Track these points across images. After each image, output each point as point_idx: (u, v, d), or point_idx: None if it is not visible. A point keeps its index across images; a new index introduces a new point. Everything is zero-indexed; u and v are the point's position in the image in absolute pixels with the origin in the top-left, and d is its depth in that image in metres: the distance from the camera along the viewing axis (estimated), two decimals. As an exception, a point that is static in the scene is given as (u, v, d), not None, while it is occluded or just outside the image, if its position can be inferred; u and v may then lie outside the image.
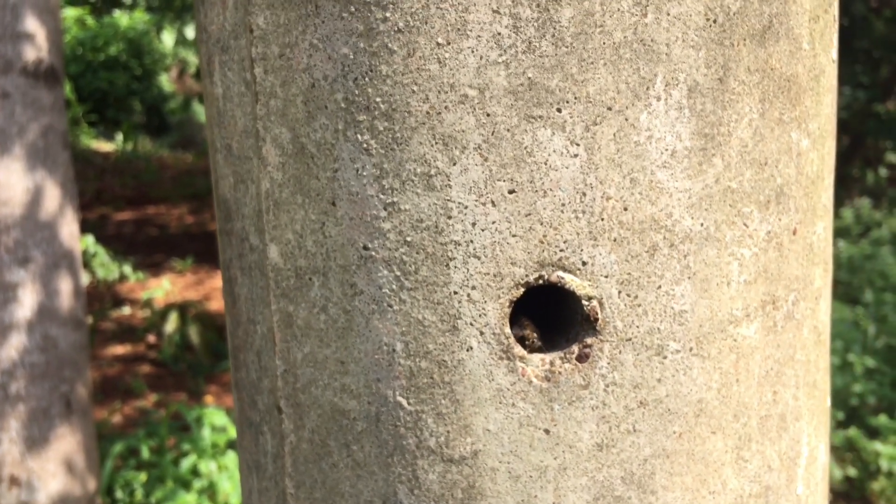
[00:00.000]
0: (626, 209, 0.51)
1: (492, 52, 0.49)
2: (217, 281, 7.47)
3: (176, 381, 5.69)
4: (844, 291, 6.20)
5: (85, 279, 6.24)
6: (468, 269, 0.51)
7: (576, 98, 0.50)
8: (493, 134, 0.50)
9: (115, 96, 11.97)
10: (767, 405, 0.56)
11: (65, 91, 3.11)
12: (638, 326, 0.52)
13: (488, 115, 0.50)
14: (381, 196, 0.52)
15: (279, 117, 0.55)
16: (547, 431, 0.53)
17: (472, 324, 0.52)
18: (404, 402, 0.54)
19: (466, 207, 0.51)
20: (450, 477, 0.54)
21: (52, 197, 2.87)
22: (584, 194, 0.50)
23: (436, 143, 0.51)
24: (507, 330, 0.52)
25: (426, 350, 0.53)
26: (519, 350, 0.52)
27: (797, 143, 0.55)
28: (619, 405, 0.52)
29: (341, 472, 0.57)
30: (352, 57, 0.51)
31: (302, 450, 0.59)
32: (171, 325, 6.00)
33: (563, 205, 0.50)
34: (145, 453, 3.93)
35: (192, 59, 12.27)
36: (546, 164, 0.50)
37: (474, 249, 0.51)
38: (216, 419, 4.01)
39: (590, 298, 0.51)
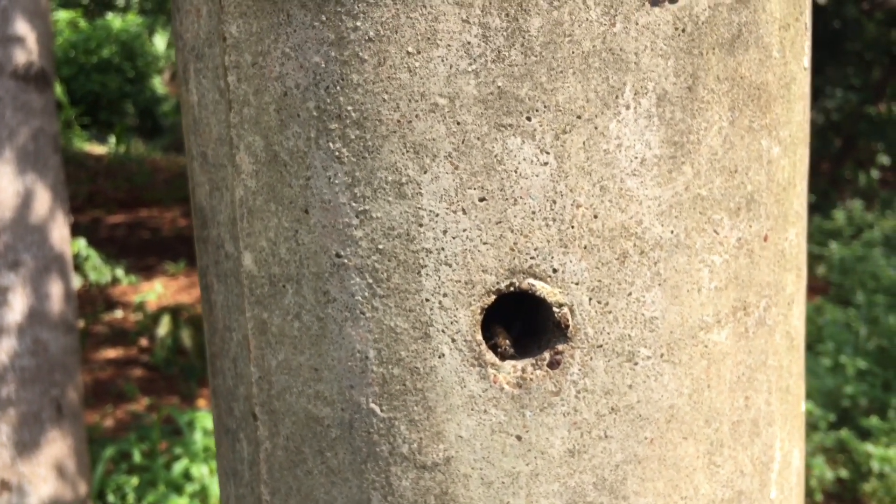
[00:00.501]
0: (596, 217, 0.51)
1: (461, 61, 0.50)
2: (210, 284, 7.45)
3: (168, 384, 5.68)
4: (836, 293, 6.21)
5: (77, 282, 6.23)
6: (440, 277, 0.52)
7: (545, 107, 0.50)
8: (463, 142, 0.50)
9: (107, 99, 11.95)
10: (739, 410, 0.57)
11: (55, 94, 3.10)
12: (609, 333, 0.52)
13: (458, 123, 0.50)
14: (353, 204, 0.52)
15: (252, 125, 0.55)
16: (519, 438, 0.53)
17: (443, 331, 0.52)
18: (377, 409, 0.54)
19: (437, 215, 0.51)
20: (423, 483, 0.54)
21: (43, 200, 2.86)
22: (555, 202, 0.51)
23: (406, 151, 0.51)
24: (479, 337, 0.52)
25: (398, 357, 0.53)
26: (491, 357, 0.52)
27: (768, 151, 0.56)
28: (591, 411, 0.53)
29: (316, 478, 0.57)
30: (323, 66, 0.52)
31: (277, 457, 0.59)
32: (163, 328, 5.99)
33: (534, 212, 0.51)
34: (137, 457, 3.92)
35: (185, 61, 12.26)
36: (516, 172, 0.50)
37: (445, 257, 0.51)
38: (208, 423, 4.00)
39: (560, 305, 0.52)
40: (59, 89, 9.75)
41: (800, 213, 0.61)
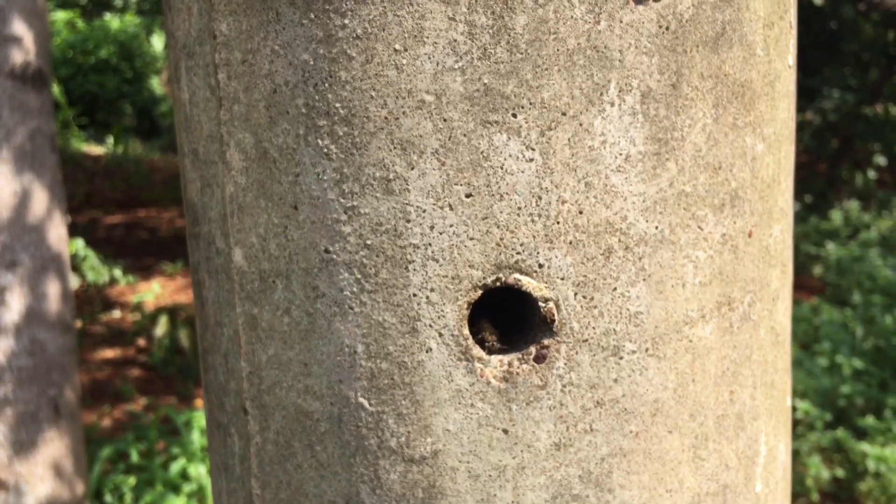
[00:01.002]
0: (581, 212, 0.52)
1: (448, 58, 0.50)
2: (207, 284, 7.46)
3: (165, 384, 5.68)
4: (833, 293, 6.22)
5: (75, 282, 6.22)
6: (427, 272, 0.52)
7: (531, 103, 0.50)
8: (449, 139, 0.51)
9: (105, 99, 11.93)
10: (724, 405, 0.57)
11: (52, 94, 3.10)
12: (594, 328, 0.53)
13: (445, 120, 0.51)
14: (342, 200, 0.53)
15: (242, 122, 0.56)
16: (505, 431, 0.53)
17: (431, 325, 0.53)
18: (366, 403, 0.55)
19: (424, 211, 0.52)
20: (411, 477, 0.55)
21: (40, 200, 2.86)
22: (540, 198, 0.51)
23: (394, 147, 0.51)
24: (466, 331, 0.53)
25: (387, 352, 0.54)
26: (477, 351, 0.53)
27: (752, 148, 0.56)
28: (576, 405, 0.53)
29: (305, 472, 0.58)
30: (312, 63, 0.52)
31: (267, 451, 0.59)
32: (160, 328, 5.98)
33: (520, 208, 0.51)
34: (134, 457, 3.92)
35: (183, 62, 12.26)
36: (502, 168, 0.51)
37: (433, 252, 0.52)
38: (205, 423, 4.00)
39: (546, 300, 0.52)
40: (56, 89, 9.75)
41: (784, 209, 0.61)
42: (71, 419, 3.00)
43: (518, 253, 0.52)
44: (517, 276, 0.52)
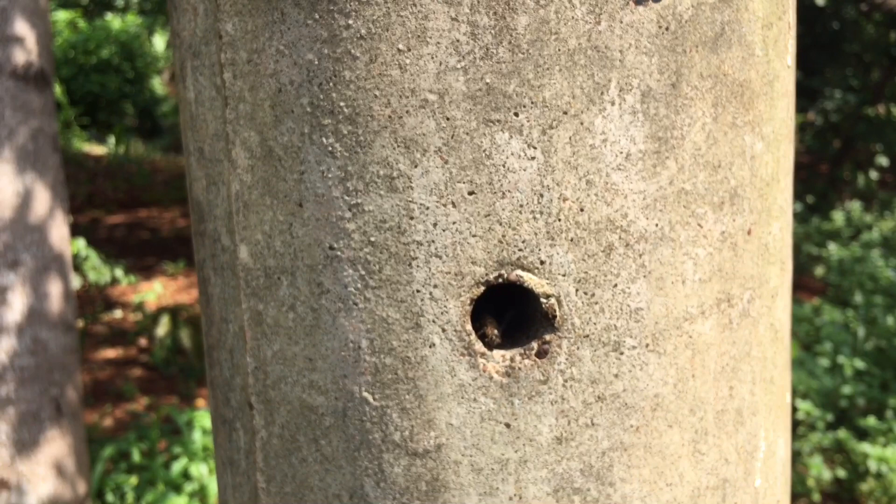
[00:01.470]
0: (582, 210, 0.53)
1: (451, 58, 0.51)
2: (209, 284, 7.46)
3: (167, 384, 5.68)
4: (834, 294, 6.22)
5: (76, 282, 6.23)
6: (430, 269, 0.53)
7: (532, 103, 0.51)
8: (452, 137, 0.52)
9: (107, 99, 11.93)
10: (724, 400, 0.58)
11: (55, 94, 3.10)
12: (595, 323, 0.54)
13: (448, 118, 0.51)
14: (346, 197, 0.54)
15: (248, 121, 0.56)
16: (508, 425, 0.54)
17: (434, 321, 0.54)
18: (370, 398, 0.56)
19: (428, 208, 0.52)
20: (414, 470, 0.55)
21: (42, 200, 2.86)
22: (542, 196, 0.52)
23: (398, 146, 0.52)
24: (469, 327, 0.54)
25: (390, 347, 0.55)
26: (480, 346, 0.54)
27: (751, 147, 0.57)
28: (578, 399, 0.54)
29: (310, 466, 0.58)
30: (316, 62, 0.53)
31: (273, 445, 0.60)
32: (162, 328, 5.98)
33: (521, 206, 0.52)
34: (136, 456, 3.92)
35: (185, 62, 12.26)
36: (504, 166, 0.52)
37: (436, 249, 0.53)
38: (207, 422, 4.00)
39: (548, 296, 0.53)
40: (58, 89, 9.75)
41: (784, 207, 0.62)
42: (73, 418, 3.00)
43: (520, 250, 0.53)
44: (519, 272, 0.53)
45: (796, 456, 4.36)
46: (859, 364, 4.71)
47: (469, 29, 0.51)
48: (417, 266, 0.53)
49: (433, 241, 0.53)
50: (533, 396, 0.54)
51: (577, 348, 0.54)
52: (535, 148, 0.52)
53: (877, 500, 4.09)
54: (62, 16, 11.63)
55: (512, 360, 0.54)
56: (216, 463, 0.71)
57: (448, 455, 0.55)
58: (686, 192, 0.54)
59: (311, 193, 0.55)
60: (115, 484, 3.82)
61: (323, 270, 0.55)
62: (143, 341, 6.28)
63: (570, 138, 0.52)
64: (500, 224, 0.52)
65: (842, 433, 4.27)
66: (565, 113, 0.52)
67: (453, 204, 0.52)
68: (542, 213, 0.52)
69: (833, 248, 7.12)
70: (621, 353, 0.54)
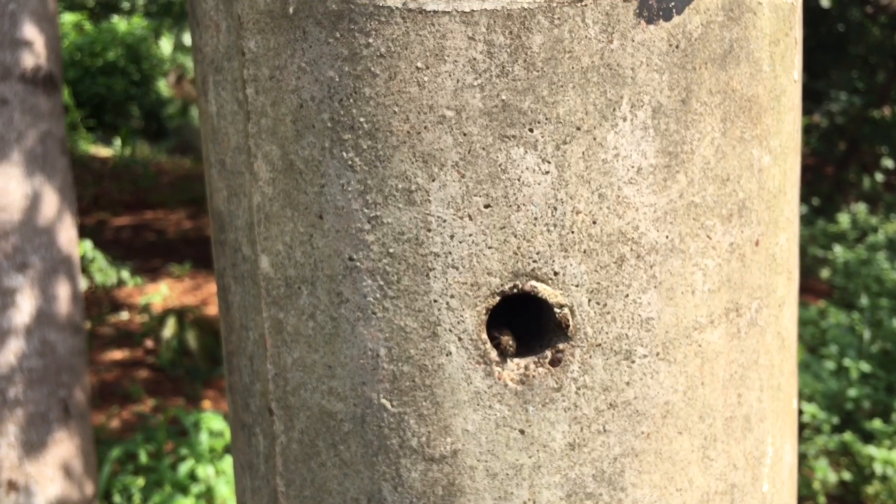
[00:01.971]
0: (594, 222, 0.54)
1: (468, 75, 0.53)
2: (214, 286, 7.48)
3: (173, 385, 5.70)
4: (840, 296, 6.21)
5: (83, 284, 6.24)
6: (447, 279, 0.55)
7: (546, 119, 0.53)
8: (469, 152, 0.53)
9: (113, 101, 11.96)
10: (732, 407, 0.59)
11: (63, 97, 3.12)
12: (607, 332, 0.55)
13: (465, 134, 0.53)
14: (366, 210, 0.55)
15: (269, 135, 0.58)
16: (522, 432, 0.56)
17: (450, 330, 0.55)
18: (388, 405, 0.57)
19: (445, 221, 0.54)
20: (431, 475, 0.57)
21: (51, 202, 2.87)
22: (556, 209, 0.54)
23: (416, 160, 0.54)
24: (484, 336, 0.55)
25: (408, 355, 0.56)
26: (495, 355, 0.55)
27: (758, 160, 0.59)
28: (590, 407, 0.56)
29: (329, 470, 0.60)
30: (337, 79, 0.55)
31: (292, 450, 0.62)
32: (168, 330, 6.00)
33: (536, 218, 0.54)
34: (143, 458, 3.93)
35: (191, 64, 12.29)
36: (519, 180, 0.53)
37: (452, 260, 0.54)
38: (214, 424, 4.01)
39: (561, 306, 0.55)
40: (65, 92, 9.79)
41: (790, 219, 0.63)
42: (81, 420, 3.01)
43: (534, 261, 0.54)
44: (533, 283, 0.54)
45: (802, 459, 4.36)
46: (865, 367, 4.71)
47: (485, 47, 0.52)
48: (435, 277, 0.55)
49: (450, 253, 0.54)
50: (546, 403, 0.55)
51: (590, 357, 0.55)
52: (549, 162, 0.53)
53: (882, 503, 4.09)
54: (68, 18, 11.67)
55: (526, 368, 0.56)
56: (234, 467, 0.73)
57: (464, 460, 0.56)
58: (696, 205, 0.56)
59: (331, 206, 0.56)
60: (122, 485, 3.84)
61: (342, 280, 0.57)
62: (149, 343, 6.30)
63: (583, 153, 0.53)
64: (515, 236, 0.54)
65: (847, 436, 4.26)
66: (578, 129, 0.53)
67: (470, 217, 0.54)
68: (555, 225, 0.54)
69: (839, 251, 7.11)
70: (632, 362, 0.56)
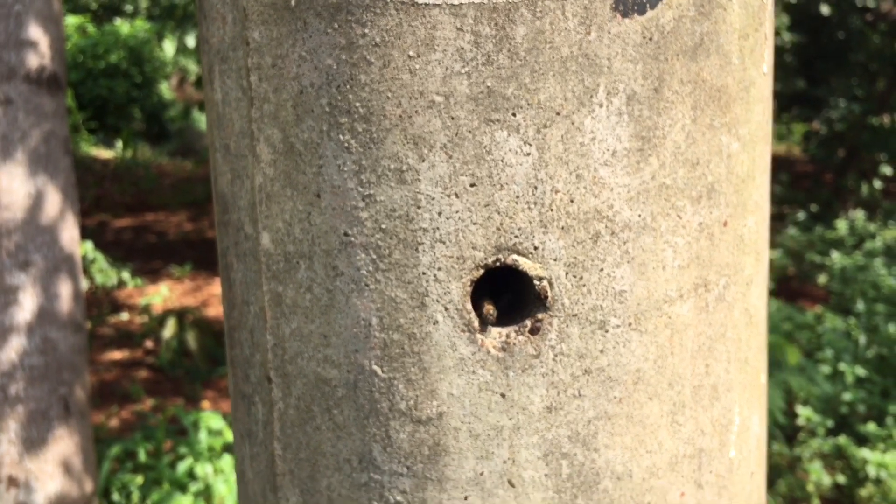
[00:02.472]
0: (572, 201, 0.58)
1: (456, 63, 0.57)
2: (215, 288, 7.50)
3: (173, 386, 5.71)
4: (837, 302, 6.22)
5: (83, 285, 6.26)
6: (435, 253, 0.59)
7: (528, 104, 0.57)
8: (456, 135, 0.58)
9: (115, 104, 11.98)
10: (700, 376, 0.64)
11: (67, 98, 3.13)
12: (583, 304, 0.60)
13: (452, 118, 0.57)
14: (360, 189, 0.60)
15: (271, 120, 0.62)
16: (503, 395, 0.60)
17: (437, 301, 0.59)
18: (379, 371, 0.61)
19: (433, 199, 0.58)
20: (418, 436, 0.61)
21: (54, 202, 2.86)
22: (536, 188, 0.58)
23: (407, 142, 0.58)
24: (469, 306, 0.59)
25: (398, 324, 0.60)
26: (478, 324, 0.60)
27: (727, 146, 0.63)
28: (566, 373, 0.60)
29: (323, 433, 0.64)
30: (335, 67, 0.59)
31: (289, 415, 0.66)
32: (168, 330, 6.01)
33: (518, 197, 0.58)
34: (142, 456, 3.91)
35: (193, 67, 12.33)
36: (502, 161, 0.58)
37: (440, 235, 0.59)
38: (213, 423, 4.01)
39: (540, 279, 0.59)
40: (67, 93, 9.79)
41: (759, 203, 0.68)
42: (81, 417, 3.00)
43: (516, 236, 0.59)
44: (515, 257, 0.59)
45: (796, 462, 4.38)
46: (860, 371, 4.70)
47: (472, 38, 0.57)
48: (423, 251, 0.59)
49: (438, 228, 0.59)
50: (526, 369, 0.60)
51: (567, 326, 0.60)
52: (530, 145, 0.58)
53: None
54: (71, 20, 11.70)
55: (507, 336, 0.60)
56: (234, 436, 0.77)
57: (448, 422, 0.61)
58: (667, 187, 0.60)
59: (328, 185, 0.61)
60: (121, 483, 3.85)
61: (338, 255, 0.61)
62: (149, 343, 6.32)
63: (561, 136, 0.58)
64: (499, 213, 0.58)
65: (842, 439, 4.26)
66: (558, 114, 0.57)
67: (456, 195, 0.58)
68: (536, 203, 0.58)
69: (836, 257, 7.11)
70: (606, 331, 0.60)
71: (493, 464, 0.61)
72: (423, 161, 0.58)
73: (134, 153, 11.55)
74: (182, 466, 3.78)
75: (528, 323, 0.60)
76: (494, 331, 0.60)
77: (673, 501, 0.63)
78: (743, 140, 0.64)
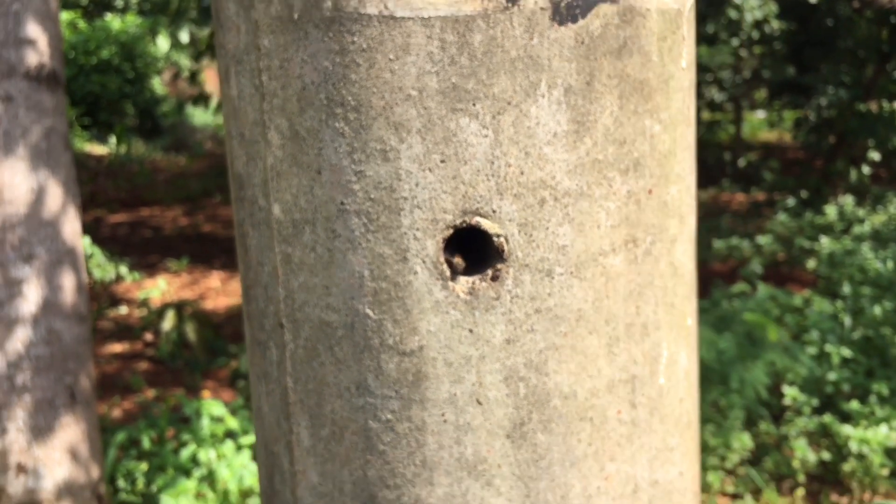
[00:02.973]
0: (522, 173, 0.73)
1: (427, 64, 0.71)
2: (212, 281, 7.59)
3: (173, 377, 5.77)
4: (825, 286, 6.30)
5: (86, 277, 6.31)
6: (413, 217, 0.73)
7: (485, 96, 0.71)
8: (428, 121, 0.72)
9: (107, 100, 11.94)
10: (632, 316, 0.78)
11: (65, 94, 3.15)
12: (533, 256, 0.74)
13: (425, 108, 0.72)
14: (353, 166, 0.74)
15: (280, 111, 0.77)
16: (470, 331, 0.74)
17: (416, 255, 0.74)
18: (371, 313, 0.76)
19: (411, 173, 0.73)
20: (403, 366, 0.76)
21: (55, 196, 2.91)
22: (493, 163, 0.72)
23: (389, 128, 0.73)
24: (442, 259, 0.74)
25: (385, 275, 0.75)
26: (450, 273, 0.74)
27: (650, 128, 0.77)
28: (521, 312, 0.74)
29: (327, 367, 0.79)
30: (331, 68, 0.73)
31: (298, 354, 0.81)
32: (168, 322, 6.04)
33: (478, 170, 0.72)
34: (146, 444, 3.90)
35: (185, 62, 12.35)
36: (466, 142, 0.72)
37: (417, 202, 0.73)
38: (215, 410, 4.01)
39: (498, 236, 0.73)
40: (62, 91, 9.82)
41: (681, 175, 0.82)
42: (86, 405, 2.98)
43: (478, 202, 0.73)
44: (478, 218, 0.73)
45: (783, 440, 4.48)
46: (846, 352, 4.65)
47: (440, 43, 0.71)
48: (404, 215, 0.73)
49: (415, 197, 0.73)
50: (489, 309, 0.74)
51: (520, 274, 0.74)
52: (487, 129, 0.72)
53: (859, 481, 4.09)
54: (63, 16, 11.68)
55: (473, 283, 0.74)
56: (251, 380, 0.91)
57: (427, 354, 0.75)
58: (599, 161, 0.75)
59: (327, 164, 0.75)
60: (126, 470, 3.89)
61: (336, 220, 0.76)
62: (148, 336, 6.38)
63: (512, 122, 0.72)
64: (463, 184, 0.73)
65: (827, 418, 4.22)
66: (509, 103, 0.72)
67: (430, 169, 0.73)
68: (493, 175, 0.73)
69: (825, 242, 7.14)
70: (552, 278, 0.75)
71: (464, 386, 0.75)
72: (403, 143, 0.73)
73: (127, 149, 11.54)
74: (185, 452, 3.76)
75: (490, 272, 0.74)
76: (463, 279, 0.74)
77: (611, 417, 0.78)
78: (664, 123, 0.79)
